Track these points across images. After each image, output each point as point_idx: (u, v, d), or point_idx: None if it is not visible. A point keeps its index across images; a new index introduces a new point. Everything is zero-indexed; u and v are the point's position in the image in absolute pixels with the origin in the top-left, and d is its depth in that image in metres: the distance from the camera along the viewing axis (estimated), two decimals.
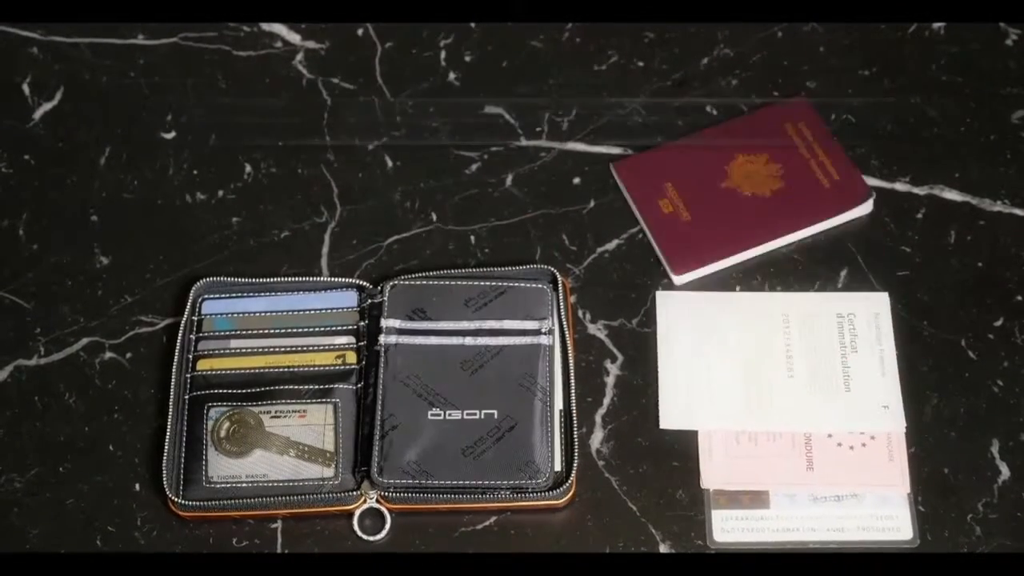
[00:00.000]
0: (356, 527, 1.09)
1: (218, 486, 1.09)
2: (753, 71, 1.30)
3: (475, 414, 1.10)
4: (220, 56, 1.32)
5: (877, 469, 1.10)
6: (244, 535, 1.10)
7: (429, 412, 1.10)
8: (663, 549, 1.09)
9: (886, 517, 1.09)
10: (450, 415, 1.10)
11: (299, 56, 1.31)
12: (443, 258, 1.21)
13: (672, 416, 1.12)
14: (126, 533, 1.10)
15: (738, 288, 1.19)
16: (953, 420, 1.13)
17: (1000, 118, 1.27)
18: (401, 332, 1.13)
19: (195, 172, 1.26)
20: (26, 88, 1.30)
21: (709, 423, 1.12)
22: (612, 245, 1.22)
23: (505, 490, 1.08)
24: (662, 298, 1.17)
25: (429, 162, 1.26)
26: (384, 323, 1.13)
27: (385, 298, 1.15)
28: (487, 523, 1.10)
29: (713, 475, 1.10)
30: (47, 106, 1.29)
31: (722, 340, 1.15)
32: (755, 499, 1.09)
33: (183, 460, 1.10)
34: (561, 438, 1.11)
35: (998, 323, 1.17)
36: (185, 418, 1.12)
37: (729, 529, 1.08)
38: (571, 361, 1.13)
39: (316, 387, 1.12)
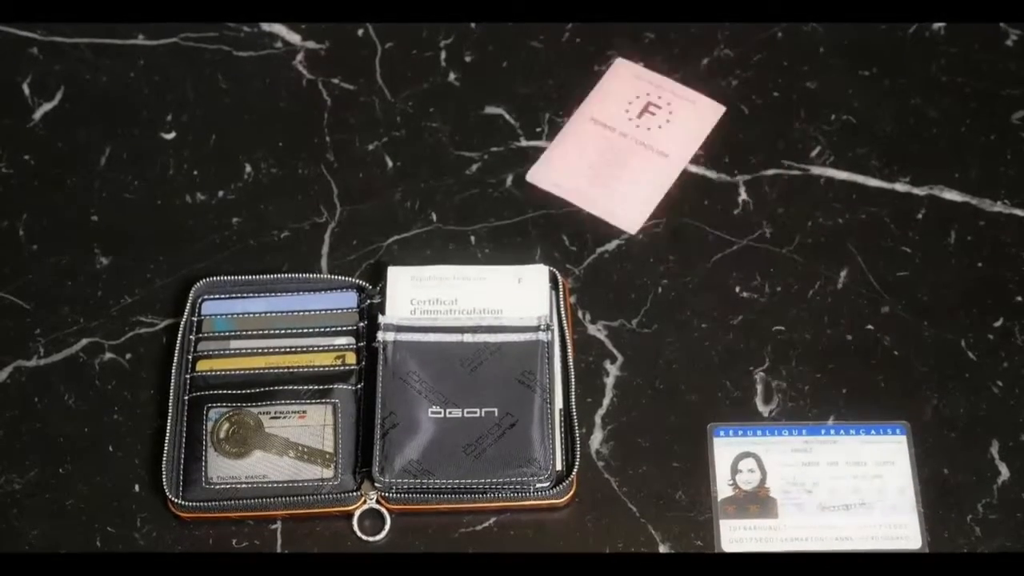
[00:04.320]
0: (356, 528, 1.09)
1: (218, 487, 1.09)
2: (753, 71, 1.30)
3: (475, 412, 1.10)
4: (220, 56, 1.32)
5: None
6: (244, 536, 1.10)
7: (429, 409, 1.10)
8: (663, 550, 1.09)
9: (895, 526, 1.08)
10: (450, 413, 1.10)
11: (299, 56, 1.31)
12: (443, 258, 1.20)
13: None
14: (126, 534, 1.10)
15: (738, 288, 1.19)
16: (953, 421, 1.13)
17: (1000, 118, 1.27)
18: (400, 329, 1.13)
19: (195, 172, 1.26)
20: (26, 88, 1.30)
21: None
22: (612, 245, 1.22)
23: (506, 488, 1.08)
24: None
25: (429, 162, 1.26)
26: (382, 320, 1.13)
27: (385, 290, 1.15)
28: (487, 523, 1.10)
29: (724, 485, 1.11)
30: (47, 106, 1.29)
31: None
32: (763, 509, 1.09)
33: (183, 461, 1.10)
34: (561, 437, 1.11)
35: (998, 323, 1.17)
36: (185, 419, 1.12)
37: (738, 539, 1.08)
38: (571, 361, 1.13)
39: (316, 388, 1.12)
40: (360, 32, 1.33)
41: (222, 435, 1.11)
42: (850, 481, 1.11)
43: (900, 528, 1.09)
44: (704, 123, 1.26)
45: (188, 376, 1.13)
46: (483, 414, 1.10)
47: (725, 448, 1.12)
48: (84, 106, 1.29)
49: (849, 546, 1.08)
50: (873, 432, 1.12)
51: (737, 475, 1.11)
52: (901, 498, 1.10)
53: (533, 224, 1.23)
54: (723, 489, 1.11)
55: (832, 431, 1.13)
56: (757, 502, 1.10)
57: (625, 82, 1.28)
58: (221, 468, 1.10)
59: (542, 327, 1.13)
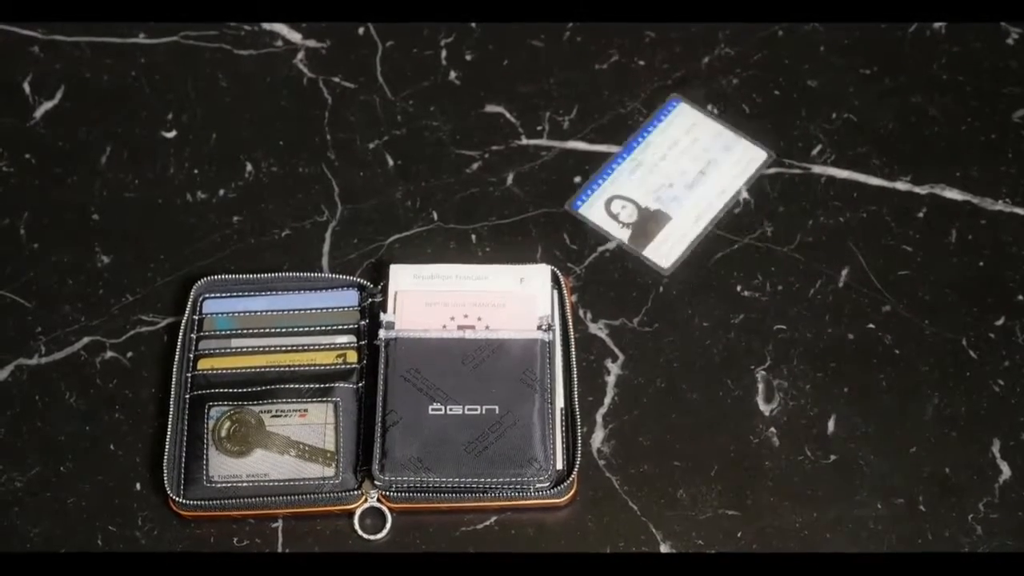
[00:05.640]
0: (357, 526, 1.09)
1: (219, 485, 1.09)
2: (753, 71, 1.30)
3: (476, 409, 1.10)
4: (221, 55, 1.32)
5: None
6: (245, 535, 1.10)
7: (430, 407, 1.10)
8: (664, 549, 1.09)
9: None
10: (451, 410, 1.10)
11: (300, 55, 1.31)
12: (444, 257, 1.20)
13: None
14: (127, 533, 1.10)
15: (739, 287, 1.19)
16: (954, 420, 1.13)
17: (1001, 117, 1.27)
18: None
19: (196, 171, 1.26)
20: (27, 87, 1.30)
21: None
22: (613, 244, 1.22)
23: (507, 487, 1.08)
24: None
25: (430, 161, 1.26)
26: (384, 317, 1.13)
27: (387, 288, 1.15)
28: (487, 523, 1.10)
29: None
30: (48, 105, 1.29)
31: None
32: (657, 221, 1.21)
33: (184, 459, 1.10)
34: (562, 437, 1.11)
35: (999, 322, 1.17)
36: (186, 417, 1.12)
37: (665, 254, 1.19)
38: (572, 360, 1.13)
39: (317, 386, 1.12)
40: (361, 31, 1.33)
41: (223, 434, 1.11)
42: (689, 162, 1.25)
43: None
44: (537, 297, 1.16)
45: (189, 374, 1.13)
46: (484, 411, 1.10)
47: (591, 208, 1.22)
48: (84, 105, 1.29)
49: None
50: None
51: (617, 217, 1.18)
52: None
53: (534, 223, 1.23)
54: (619, 235, 1.19)
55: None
56: (651, 217, 1.19)
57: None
58: (222, 467, 1.10)
59: (543, 326, 1.13)
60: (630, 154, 1.23)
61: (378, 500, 1.09)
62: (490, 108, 1.29)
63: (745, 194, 1.23)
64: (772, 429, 1.13)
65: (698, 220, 1.21)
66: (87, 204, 1.24)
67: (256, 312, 1.16)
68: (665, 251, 1.20)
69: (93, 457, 1.13)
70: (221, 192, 1.25)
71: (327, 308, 1.16)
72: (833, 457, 1.12)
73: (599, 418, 1.14)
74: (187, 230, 1.23)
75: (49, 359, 1.17)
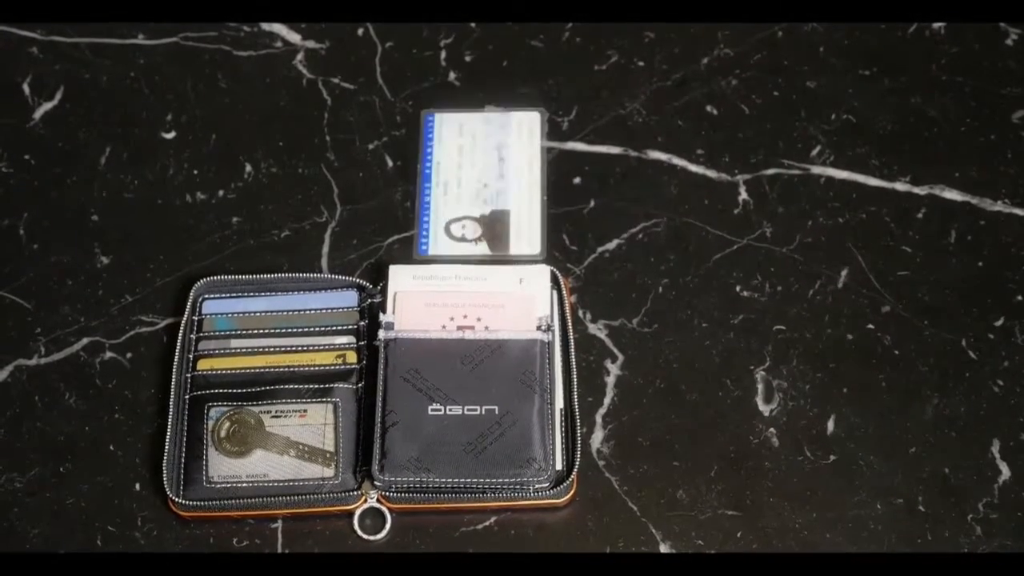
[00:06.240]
0: (356, 527, 1.09)
1: (218, 486, 1.09)
2: (753, 71, 1.30)
3: (476, 410, 1.10)
4: (220, 56, 1.32)
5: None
6: (244, 535, 1.10)
7: (429, 407, 1.10)
8: (663, 549, 1.09)
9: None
10: (450, 410, 1.10)
11: (299, 56, 1.31)
12: (443, 258, 1.20)
13: None
14: (126, 533, 1.10)
15: (738, 288, 1.19)
16: (953, 420, 1.13)
17: (1000, 118, 1.27)
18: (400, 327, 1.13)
19: (195, 172, 1.26)
20: (26, 88, 1.30)
21: None
22: (612, 245, 1.22)
23: (506, 488, 1.08)
24: None
25: None
26: (383, 318, 1.13)
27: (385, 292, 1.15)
28: (487, 523, 1.10)
29: None
30: (47, 106, 1.29)
31: None
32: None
33: (183, 460, 1.10)
34: (562, 437, 1.11)
35: (998, 323, 1.17)
36: (185, 418, 1.12)
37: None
38: (572, 360, 1.13)
39: (316, 387, 1.12)
40: (360, 32, 1.33)
41: (223, 434, 1.11)
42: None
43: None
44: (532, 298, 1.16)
45: (189, 375, 1.13)
46: (483, 412, 1.10)
47: (437, 245, 1.21)
48: (84, 106, 1.29)
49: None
50: None
51: (464, 238, 1.20)
52: None
53: None
54: (478, 251, 1.19)
55: None
56: (492, 221, 1.20)
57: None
58: (222, 467, 1.10)
59: (543, 327, 1.13)
60: (430, 181, 1.23)
61: (378, 500, 1.09)
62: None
63: (745, 195, 1.24)
64: (772, 429, 1.13)
65: (531, 199, 1.22)
66: (87, 205, 1.24)
67: (255, 313, 1.16)
68: (526, 241, 1.21)
69: (92, 458, 1.13)
70: (220, 193, 1.25)
71: (326, 309, 1.16)
72: (832, 457, 1.12)
73: (599, 418, 1.14)
74: (186, 231, 1.23)
75: (48, 360, 1.17)
